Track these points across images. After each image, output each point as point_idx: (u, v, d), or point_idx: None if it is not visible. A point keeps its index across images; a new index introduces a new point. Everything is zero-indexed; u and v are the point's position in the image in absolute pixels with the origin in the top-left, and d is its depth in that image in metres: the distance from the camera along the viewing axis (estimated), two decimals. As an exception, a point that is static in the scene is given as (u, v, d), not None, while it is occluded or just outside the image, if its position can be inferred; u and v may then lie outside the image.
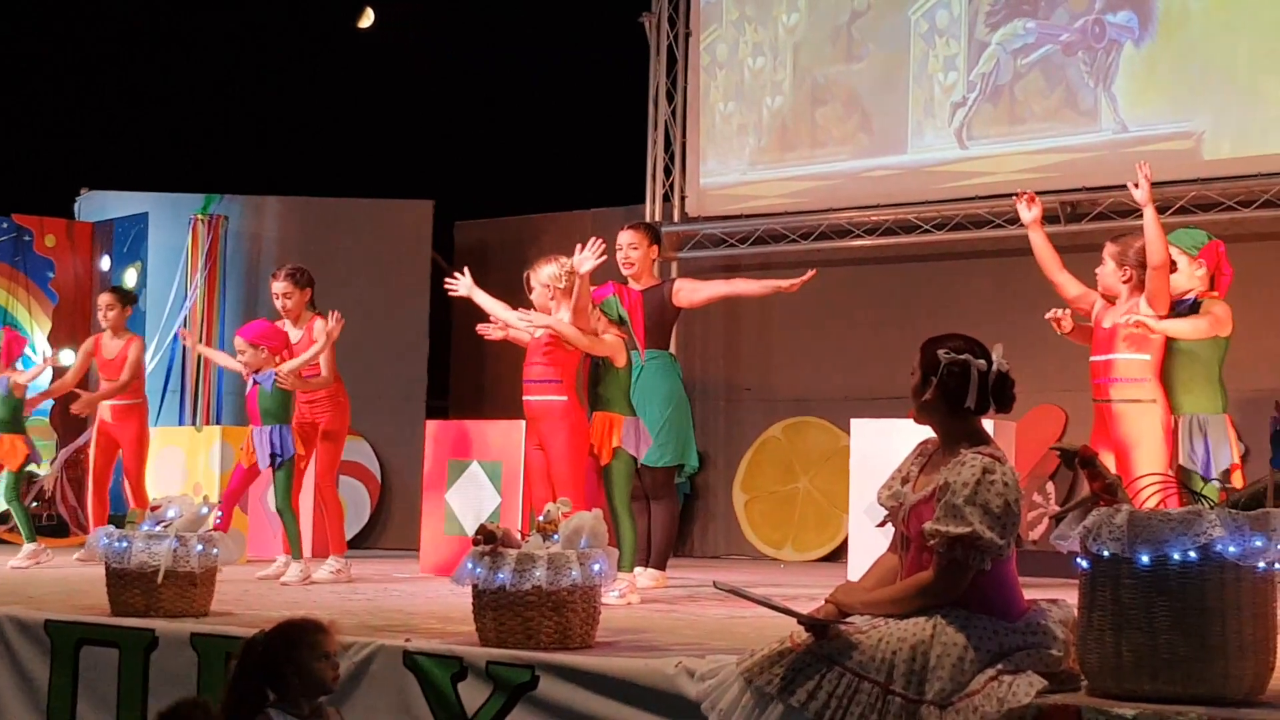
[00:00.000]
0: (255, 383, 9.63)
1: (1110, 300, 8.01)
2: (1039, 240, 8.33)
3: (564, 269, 8.66)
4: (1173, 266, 7.84)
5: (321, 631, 5.12)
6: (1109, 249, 8.04)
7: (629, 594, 8.13)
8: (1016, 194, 8.51)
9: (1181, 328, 7.72)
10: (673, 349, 9.61)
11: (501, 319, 8.91)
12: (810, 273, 9.36)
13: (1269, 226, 11.03)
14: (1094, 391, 8.01)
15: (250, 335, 9.76)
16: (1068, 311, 8.14)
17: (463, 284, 9.12)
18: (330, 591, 8.89)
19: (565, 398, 8.51)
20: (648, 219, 13.30)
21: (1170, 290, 7.82)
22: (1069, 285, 8.26)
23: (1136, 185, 7.77)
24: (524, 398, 8.80)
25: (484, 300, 9.00)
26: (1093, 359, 8.05)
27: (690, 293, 9.50)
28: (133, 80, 15.58)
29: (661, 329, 9.40)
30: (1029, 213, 8.36)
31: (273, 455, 9.53)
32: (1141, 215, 10.88)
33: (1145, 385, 7.72)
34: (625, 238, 9.49)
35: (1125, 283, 7.92)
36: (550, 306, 8.66)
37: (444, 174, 14.89)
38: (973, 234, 12.13)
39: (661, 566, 9.17)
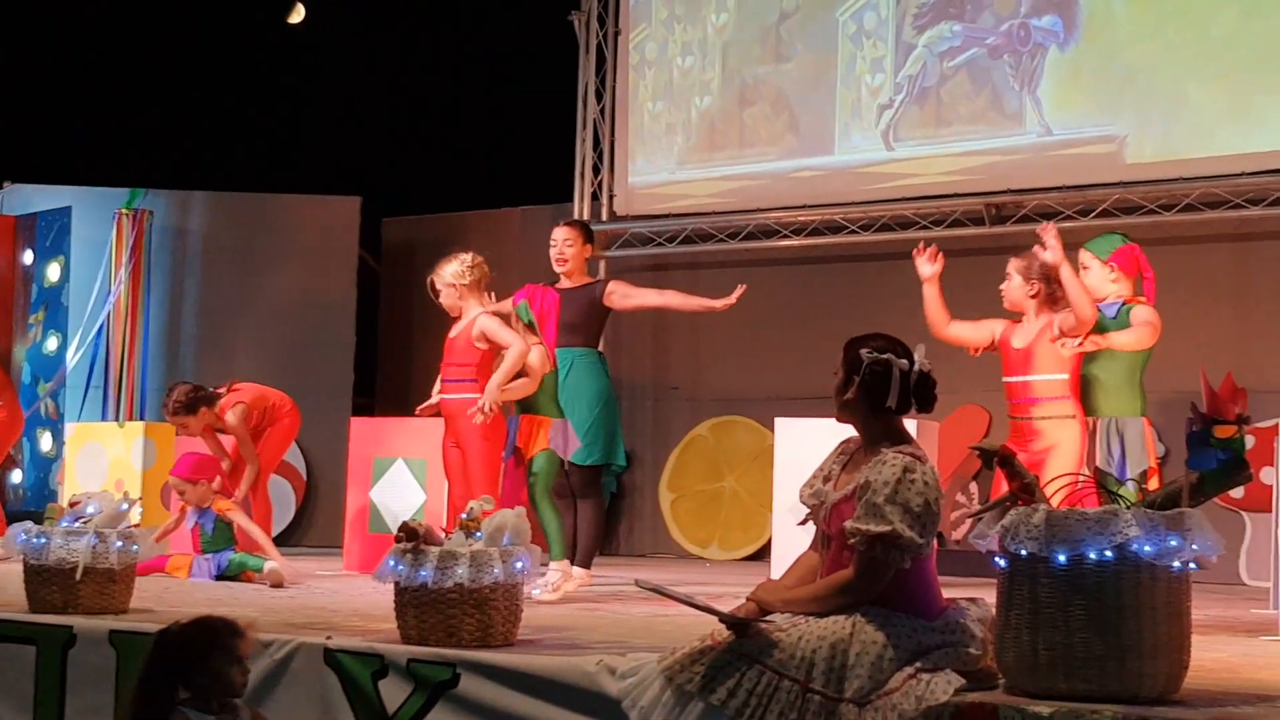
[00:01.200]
0: (197, 523, 9.55)
1: (1015, 318, 7.94)
2: (932, 295, 8.15)
3: (465, 264, 8.68)
4: (1086, 271, 7.86)
5: (237, 634, 5.05)
6: (1014, 264, 7.91)
7: (563, 584, 8.13)
8: (916, 249, 8.32)
9: (1125, 339, 7.66)
10: (601, 347, 9.60)
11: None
12: (740, 289, 9.34)
13: (1190, 230, 11.14)
14: (1011, 410, 7.93)
15: (185, 473, 9.64)
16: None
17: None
18: (253, 589, 8.84)
19: (478, 395, 8.53)
20: (576, 217, 13.29)
21: (1094, 295, 7.80)
22: (965, 332, 8.09)
23: (1045, 248, 7.61)
24: (440, 396, 8.86)
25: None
26: (1008, 380, 7.91)
27: (622, 298, 9.48)
28: (57, 73, 15.44)
29: (590, 327, 9.38)
30: (929, 268, 8.19)
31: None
32: (1069, 218, 11.05)
33: (1066, 402, 7.69)
34: (560, 234, 9.47)
35: (1033, 297, 7.81)
36: (459, 305, 8.70)
37: (372, 170, 14.83)
38: (899, 235, 12.19)
39: (587, 565, 9.16)
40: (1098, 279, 7.86)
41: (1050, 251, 7.60)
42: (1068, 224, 11.19)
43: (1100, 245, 7.96)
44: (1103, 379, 7.74)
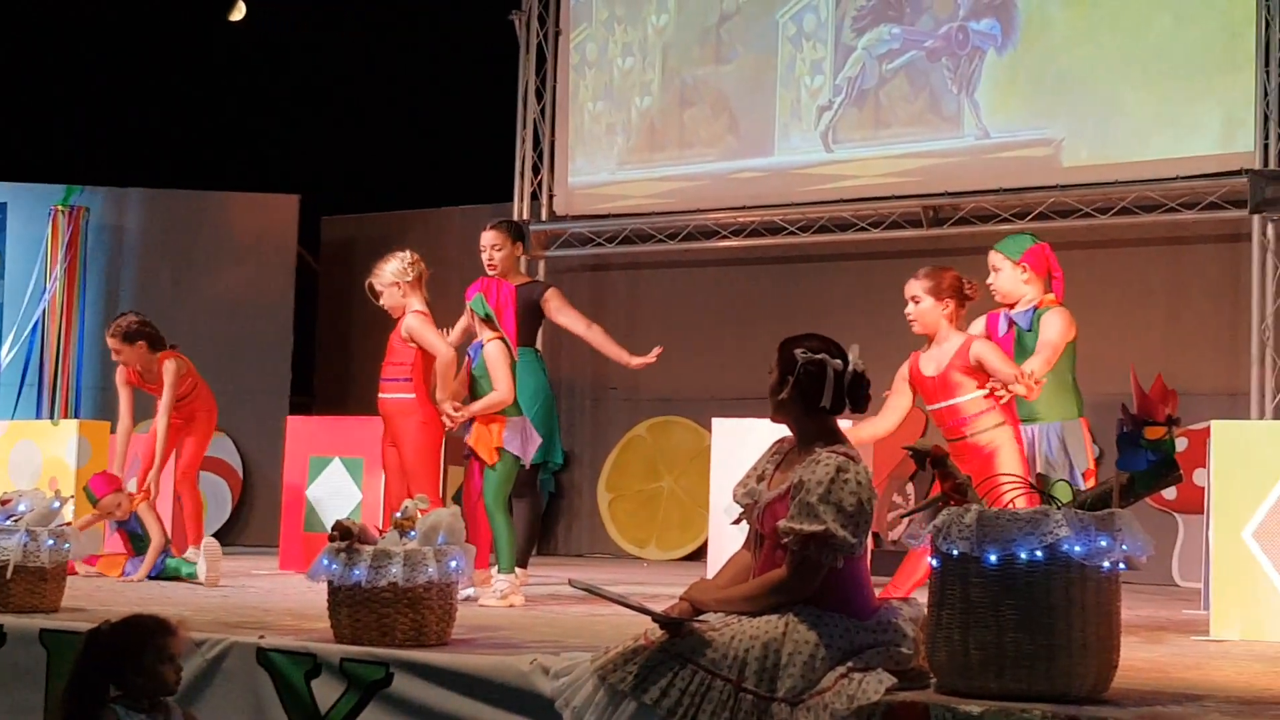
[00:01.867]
0: (121, 528, 9.48)
1: (928, 337, 7.68)
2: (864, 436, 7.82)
3: (405, 261, 8.68)
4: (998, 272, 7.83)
5: (168, 633, 5.03)
6: (919, 285, 7.59)
7: (511, 595, 8.08)
8: None
9: (1047, 360, 7.50)
10: (538, 345, 9.60)
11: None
12: (656, 350, 9.31)
13: (1125, 233, 11.23)
14: (944, 434, 7.72)
15: (103, 489, 9.57)
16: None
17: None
18: (186, 588, 8.80)
19: (414, 395, 8.53)
20: (515, 217, 13.28)
21: (1004, 298, 7.78)
22: (891, 416, 7.73)
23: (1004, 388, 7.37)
24: (379, 395, 8.88)
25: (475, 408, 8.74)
26: (932, 408, 7.70)
27: (555, 311, 9.46)
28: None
29: (529, 326, 9.39)
30: None
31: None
32: (1005, 221, 11.13)
33: (993, 413, 7.56)
34: (487, 238, 9.46)
35: (945, 316, 7.57)
36: (403, 304, 8.68)
37: (311, 168, 14.78)
38: (837, 236, 12.24)
39: (523, 564, 9.16)
40: (1011, 281, 7.75)
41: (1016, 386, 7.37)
42: (1004, 226, 11.28)
43: (1010, 247, 7.86)
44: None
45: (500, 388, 8.27)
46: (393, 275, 8.74)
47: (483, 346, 8.39)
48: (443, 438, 8.65)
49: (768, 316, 12.02)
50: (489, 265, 9.44)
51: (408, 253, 8.80)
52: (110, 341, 9.99)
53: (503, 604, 7.95)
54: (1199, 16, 10.88)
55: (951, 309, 7.59)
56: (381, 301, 8.85)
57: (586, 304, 13.21)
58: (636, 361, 9.37)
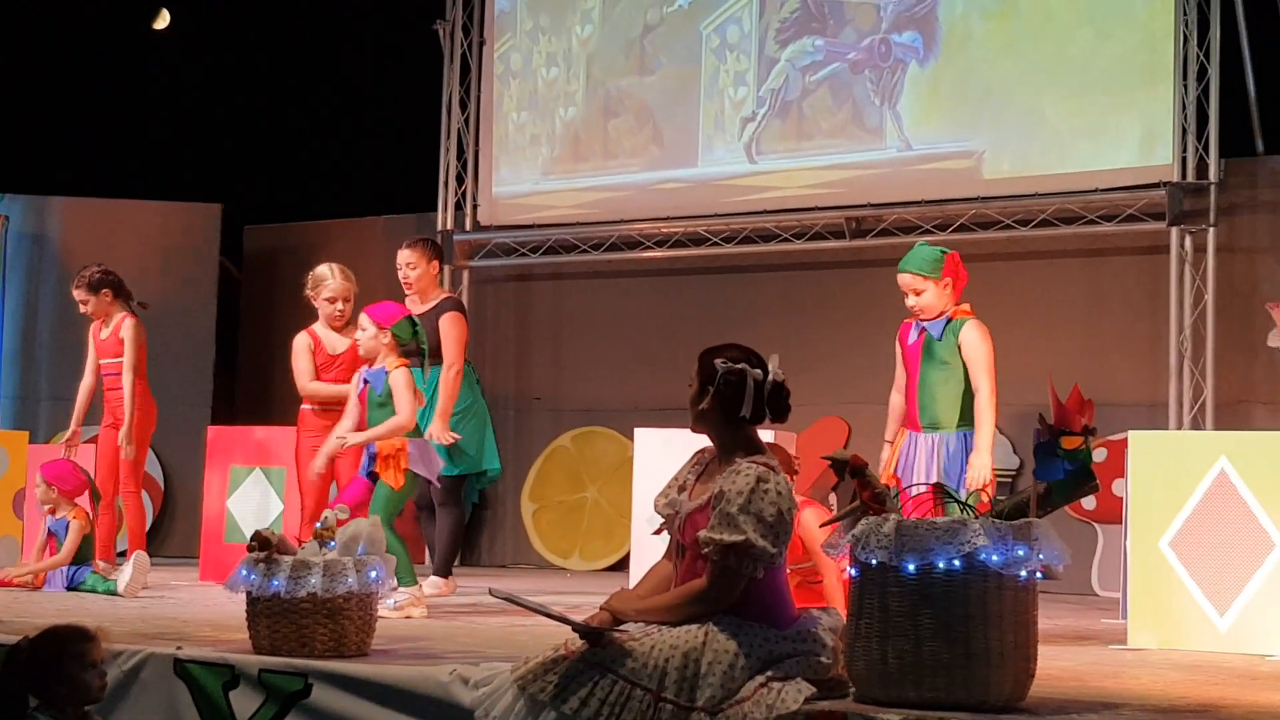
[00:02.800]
0: (51, 533, 9.40)
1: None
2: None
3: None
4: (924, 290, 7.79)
5: (88, 640, 5.04)
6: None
7: (409, 607, 7.91)
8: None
9: (991, 389, 7.51)
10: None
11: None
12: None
13: (1045, 245, 11.31)
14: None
15: (51, 475, 9.52)
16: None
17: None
18: (105, 600, 8.73)
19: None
20: (440, 227, 13.26)
21: (928, 315, 7.69)
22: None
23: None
24: (303, 407, 8.95)
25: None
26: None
27: (442, 334, 9.29)
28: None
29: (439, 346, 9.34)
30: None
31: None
32: (927, 232, 11.20)
33: None
34: (402, 257, 9.41)
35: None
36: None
37: (234, 177, 14.70)
38: (761, 248, 12.28)
39: (446, 573, 9.14)
40: (936, 297, 7.62)
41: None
42: (926, 238, 11.33)
43: (926, 266, 7.63)
44: (940, 396, 7.66)
45: (403, 413, 8.11)
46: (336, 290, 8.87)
47: (387, 374, 8.19)
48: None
49: (691, 327, 12.04)
50: (405, 283, 9.40)
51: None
52: (76, 294, 10.00)
53: (398, 615, 7.82)
54: (1119, 31, 10.97)
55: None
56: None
57: (511, 314, 13.26)
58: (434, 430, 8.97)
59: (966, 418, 7.56)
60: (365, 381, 8.26)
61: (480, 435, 9.38)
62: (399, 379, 8.15)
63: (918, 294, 7.65)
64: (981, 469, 7.38)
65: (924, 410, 7.61)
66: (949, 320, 7.61)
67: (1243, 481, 7.09)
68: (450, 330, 9.20)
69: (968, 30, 11.51)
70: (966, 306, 7.70)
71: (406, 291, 9.40)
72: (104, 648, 5.14)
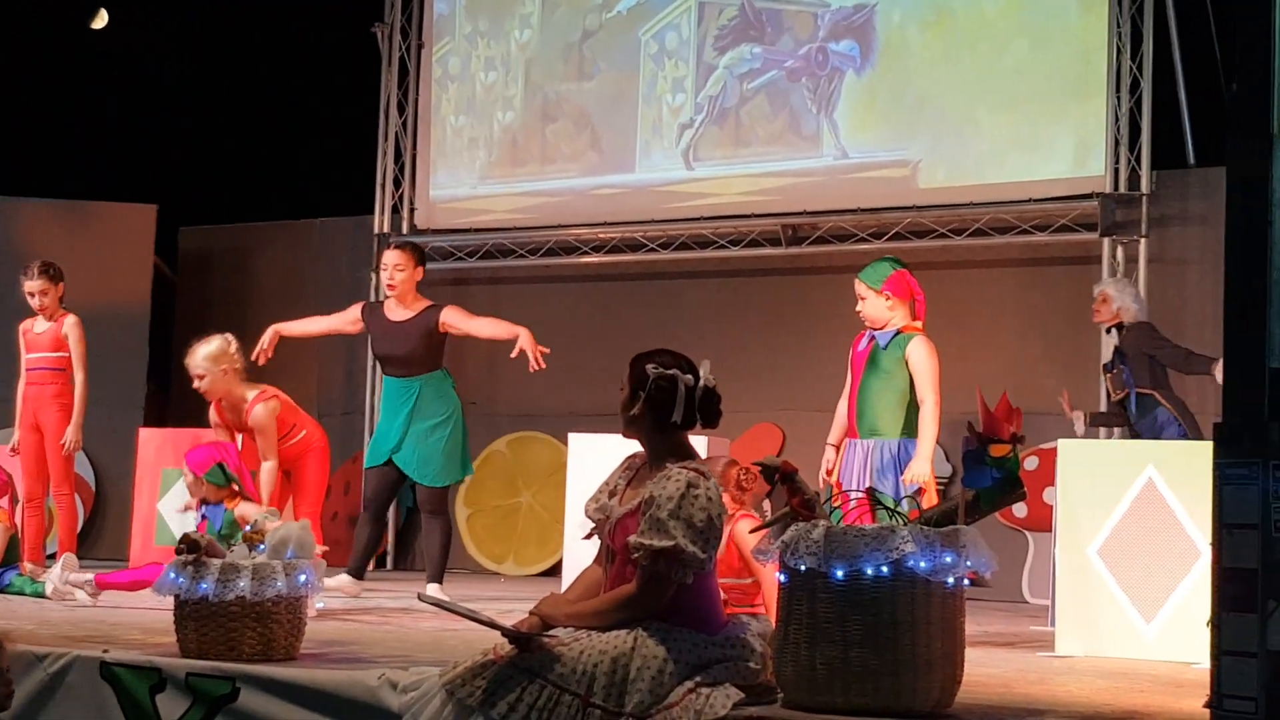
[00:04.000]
0: None
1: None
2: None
3: (231, 346, 8.72)
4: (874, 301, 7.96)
5: None
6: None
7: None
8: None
9: (936, 403, 7.75)
10: (444, 362, 9.58)
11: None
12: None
13: (979, 254, 11.37)
14: None
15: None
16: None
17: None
18: (31, 601, 8.66)
19: (303, 433, 8.57)
20: (376, 230, 13.24)
21: (872, 324, 7.94)
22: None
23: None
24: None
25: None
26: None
27: (462, 324, 9.40)
28: None
29: (431, 354, 9.35)
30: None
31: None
32: (862, 240, 11.25)
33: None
34: (390, 257, 9.36)
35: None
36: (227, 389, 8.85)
37: (169, 178, 14.60)
38: (697, 254, 12.30)
39: (439, 580, 9.22)
40: (876, 308, 7.90)
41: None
42: (861, 246, 11.40)
43: (872, 275, 7.97)
44: (877, 404, 7.83)
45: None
46: (209, 359, 8.82)
47: (225, 509, 8.34)
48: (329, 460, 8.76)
49: (628, 332, 12.03)
50: (389, 285, 9.35)
51: (229, 336, 8.92)
52: (35, 284, 10.01)
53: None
54: (1054, 42, 11.05)
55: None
56: (203, 385, 8.85)
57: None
58: (520, 341, 9.26)
59: (906, 428, 7.79)
60: (204, 517, 8.41)
61: (462, 443, 9.42)
62: (247, 511, 8.24)
63: (861, 300, 7.97)
64: (921, 474, 7.61)
65: (862, 417, 7.85)
66: (898, 333, 7.87)
67: (1170, 490, 7.14)
68: (462, 315, 9.45)
69: (904, 40, 11.56)
70: (919, 324, 7.95)
71: (388, 293, 9.37)
72: (12, 652, 5.02)
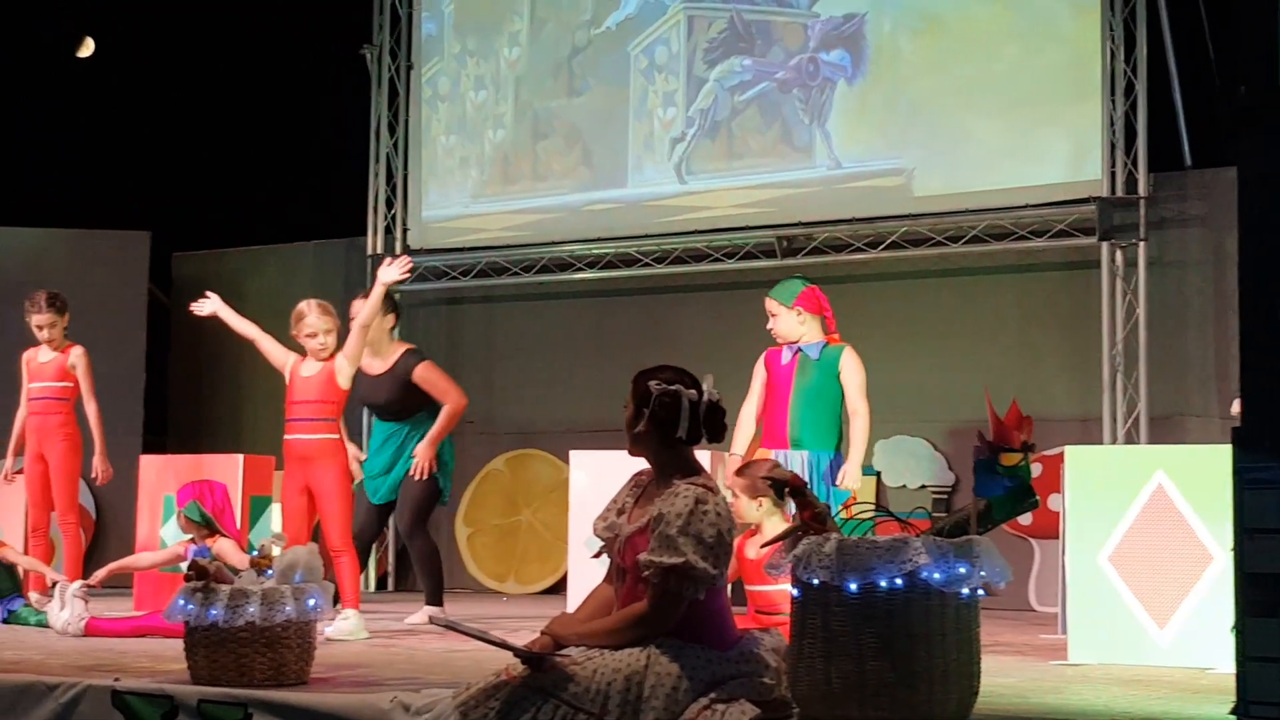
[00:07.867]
0: None
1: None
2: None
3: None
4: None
5: None
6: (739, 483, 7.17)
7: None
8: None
9: (867, 411, 8.03)
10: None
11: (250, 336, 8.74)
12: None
13: (976, 261, 11.35)
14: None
15: None
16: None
17: (209, 304, 8.89)
18: (38, 631, 8.62)
19: (336, 435, 8.45)
20: (369, 251, 13.23)
21: (784, 340, 8.22)
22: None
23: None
24: (289, 437, 8.56)
25: (232, 319, 8.79)
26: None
27: (428, 386, 9.33)
28: None
29: (412, 400, 9.32)
30: None
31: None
32: (859, 250, 11.23)
33: None
34: (358, 308, 8.98)
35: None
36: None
37: (162, 205, 14.58)
38: (691, 268, 12.29)
39: (439, 601, 9.21)
40: (788, 325, 8.19)
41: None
42: (857, 256, 11.40)
43: (783, 293, 8.26)
44: (811, 416, 8.06)
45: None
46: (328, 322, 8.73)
47: (209, 549, 8.47)
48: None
49: (624, 348, 12.03)
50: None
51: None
52: (42, 317, 9.97)
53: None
54: (1046, 47, 11.04)
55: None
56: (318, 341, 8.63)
57: (442, 338, 13.20)
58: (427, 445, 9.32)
59: (827, 440, 8.08)
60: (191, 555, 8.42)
61: (449, 466, 9.43)
62: (225, 548, 8.51)
63: (774, 317, 8.25)
64: (853, 478, 7.94)
65: (793, 428, 8.08)
66: (825, 345, 8.17)
67: (1180, 495, 7.11)
68: (436, 377, 9.35)
69: (896, 48, 11.55)
70: (838, 337, 8.26)
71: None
72: None
